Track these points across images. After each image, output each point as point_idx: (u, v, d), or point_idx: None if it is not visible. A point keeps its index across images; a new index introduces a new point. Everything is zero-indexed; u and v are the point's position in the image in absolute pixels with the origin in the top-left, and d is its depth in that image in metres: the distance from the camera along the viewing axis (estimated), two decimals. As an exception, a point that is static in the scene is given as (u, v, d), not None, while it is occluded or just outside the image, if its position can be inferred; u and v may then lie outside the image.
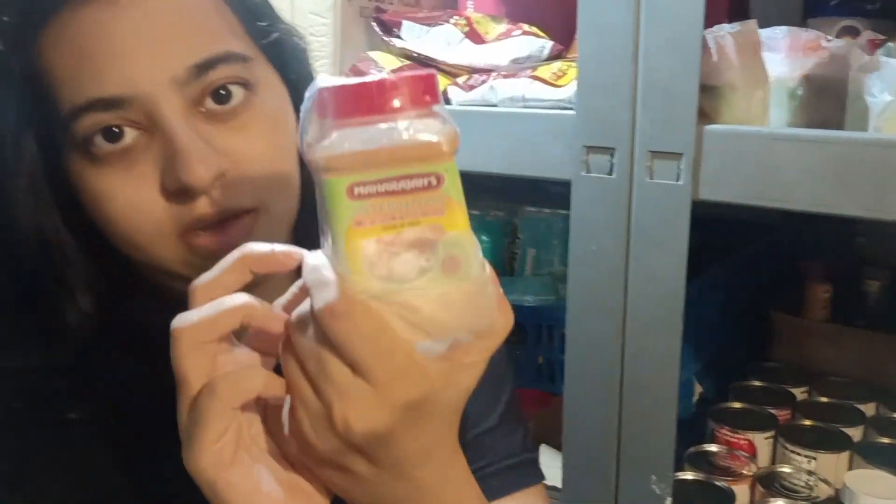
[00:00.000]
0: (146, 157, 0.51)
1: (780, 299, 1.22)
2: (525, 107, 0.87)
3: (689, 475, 0.94)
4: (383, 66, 0.98)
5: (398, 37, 1.02)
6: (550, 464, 0.90)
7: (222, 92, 0.52)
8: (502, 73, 0.92)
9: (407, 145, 0.38)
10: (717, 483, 0.92)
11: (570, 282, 0.85)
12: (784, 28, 0.81)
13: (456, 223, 0.40)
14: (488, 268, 0.41)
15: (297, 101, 0.56)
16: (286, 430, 0.43)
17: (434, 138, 0.38)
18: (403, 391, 0.40)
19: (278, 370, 0.43)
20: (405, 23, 1.02)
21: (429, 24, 1.02)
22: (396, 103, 0.38)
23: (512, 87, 0.87)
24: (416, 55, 1.00)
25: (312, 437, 0.41)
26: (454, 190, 0.39)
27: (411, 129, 0.38)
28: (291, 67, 0.59)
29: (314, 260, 0.41)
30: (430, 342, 0.40)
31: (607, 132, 0.80)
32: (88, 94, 0.49)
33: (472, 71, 0.96)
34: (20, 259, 0.53)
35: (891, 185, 0.68)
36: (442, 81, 0.96)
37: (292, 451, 0.44)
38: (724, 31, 0.74)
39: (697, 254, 1.15)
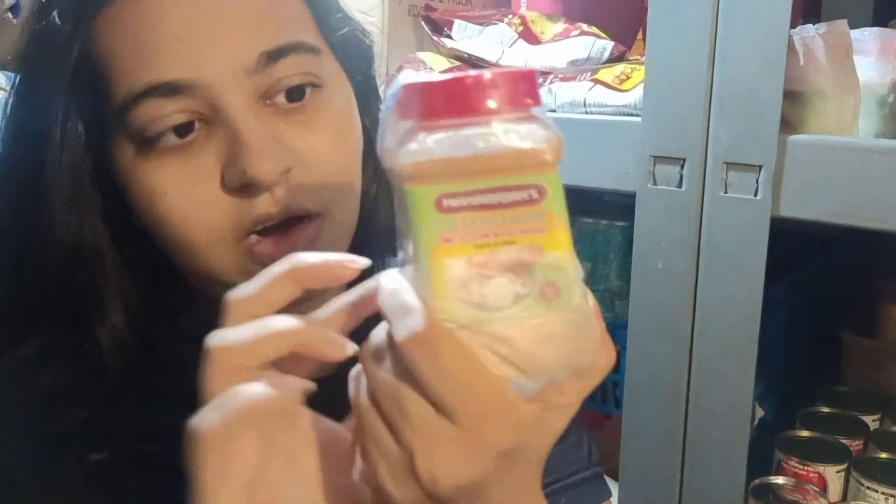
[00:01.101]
0: (206, 150, 0.47)
1: (852, 319, 1.14)
2: (586, 112, 0.81)
3: (756, 512, 0.87)
4: (432, 67, 0.93)
5: (449, 36, 0.97)
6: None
7: (293, 89, 0.48)
8: (560, 75, 0.86)
9: (505, 152, 0.33)
10: (789, 522, 0.85)
11: (632, 300, 0.79)
12: (875, 29, 0.74)
13: (557, 244, 0.34)
14: (591, 297, 0.36)
15: (361, 101, 0.54)
16: (355, 474, 0.38)
17: (537, 145, 0.33)
18: (495, 436, 0.34)
19: None
20: (457, 21, 0.97)
21: (482, 24, 0.96)
22: (493, 104, 0.33)
23: (572, 91, 0.82)
24: (466, 56, 0.94)
25: (390, 486, 0.36)
26: (556, 205, 0.33)
27: (510, 133, 0.33)
28: (357, 66, 0.56)
29: (391, 282, 0.36)
30: (524, 380, 0.34)
31: (677, 141, 0.73)
32: (147, 78, 0.45)
33: (528, 73, 0.90)
34: (54, 270, 0.50)
35: None
36: (495, 84, 0.91)
37: (361, 498, 0.38)
38: (813, 32, 0.67)
39: (768, 268, 1.09)
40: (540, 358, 0.34)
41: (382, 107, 0.36)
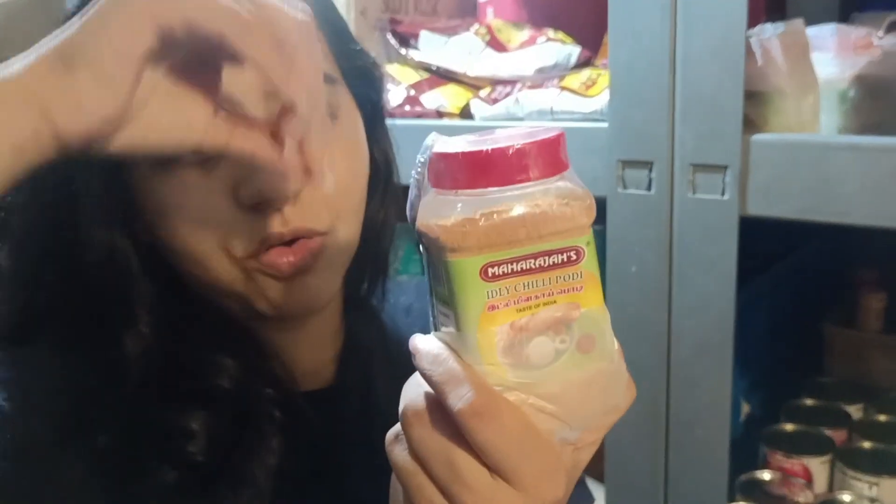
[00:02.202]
0: (221, 167, 0.49)
1: (833, 310, 1.15)
2: (554, 120, 0.81)
3: (742, 507, 0.88)
4: (401, 80, 0.93)
5: (415, 48, 0.97)
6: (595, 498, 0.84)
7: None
8: (528, 83, 0.87)
9: (546, 218, 0.34)
10: (775, 516, 0.86)
11: (608, 303, 0.79)
12: (832, 26, 0.75)
13: (592, 299, 0.36)
14: (616, 341, 0.37)
15: (370, 130, 0.56)
16: None
17: (575, 209, 0.34)
18: (551, 491, 0.36)
19: None
20: (423, 33, 0.97)
21: (448, 34, 0.97)
22: (532, 173, 0.34)
23: (539, 99, 0.82)
24: (435, 68, 0.95)
25: None
26: (592, 263, 0.35)
27: (548, 199, 0.34)
28: (368, 97, 0.58)
29: (431, 346, 0.37)
30: (567, 431, 0.36)
31: (644, 145, 0.74)
32: None
33: (496, 82, 0.91)
34: (86, 279, 0.51)
35: (964, 196, 0.61)
36: (464, 95, 0.91)
37: None
38: (769, 33, 0.68)
39: (741, 261, 1.10)
40: (584, 408, 0.36)
41: (413, 173, 0.38)
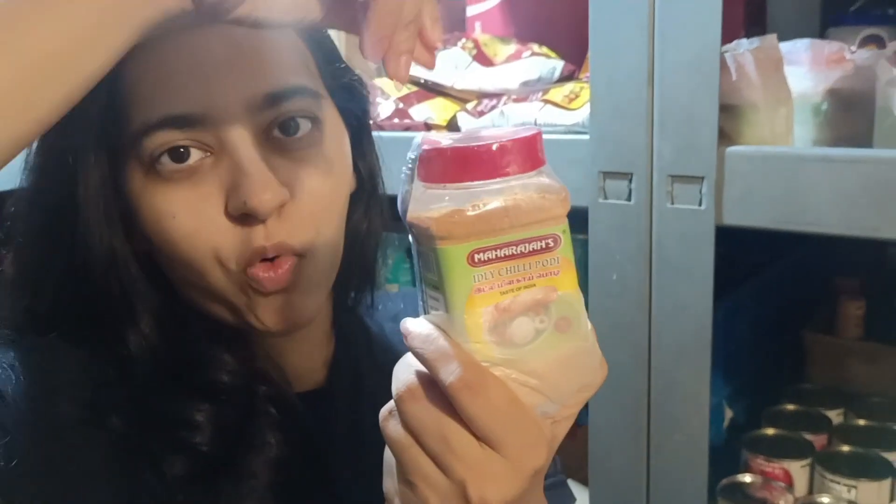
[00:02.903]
0: (212, 179, 0.51)
1: (813, 318, 1.17)
2: (537, 132, 0.83)
3: (723, 510, 0.90)
4: (390, 93, 0.95)
5: (405, 63, 0.99)
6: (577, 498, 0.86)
7: (290, 123, 0.52)
8: (513, 97, 0.89)
9: (527, 208, 0.38)
10: (754, 518, 0.88)
11: (590, 311, 0.82)
12: (806, 41, 0.78)
13: (568, 283, 0.39)
14: (589, 322, 0.41)
15: (355, 146, 0.59)
16: None
17: (552, 201, 0.38)
18: (534, 460, 0.40)
19: None
20: (411, 48, 0.99)
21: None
22: (514, 167, 0.38)
23: (523, 112, 0.84)
24: (423, 81, 0.97)
25: None
26: (568, 249, 0.39)
27: (529, 191, 0.38)
28: (354, 113, 0.60)
29: (422, 328, 0.41)
30: (548, 404, 0.40)
31: (624, 157, 0.76)
32: (163, 110, 0.50)
33: (482, 95, 0.93)
34: (89, 282, 0.53)
35: (929, 205, 0.64)
36: (451, 108, 0.94)
37: None
38: (743, 49, 0.71)
39: (724, 270, 1.12)
40: (562, 384, 0.40)
41: (404, 168, 0.41)
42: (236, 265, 0.51)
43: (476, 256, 0.38)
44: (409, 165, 0.40)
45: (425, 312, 0.42)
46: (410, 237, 0.41)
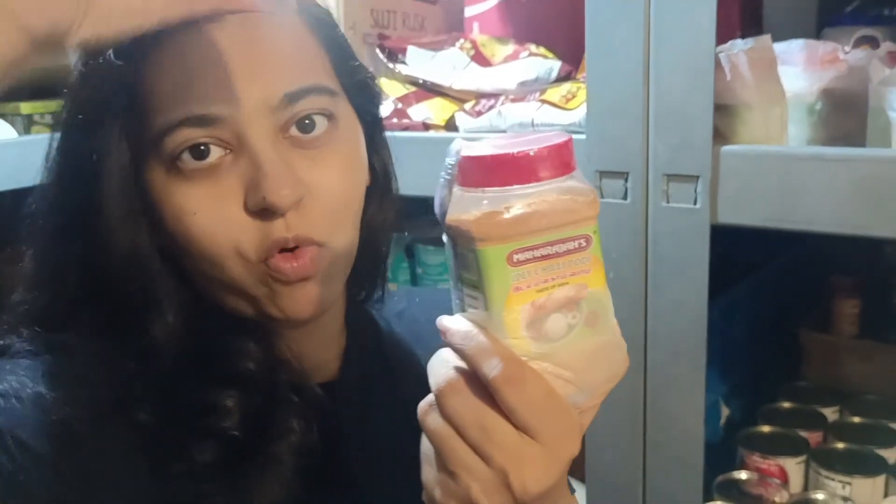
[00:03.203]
0: (231, 176, 0.52)
1: (810, 316, 1.18)
2: (535, 132, 0.84)
3: (718, 506, 0.90)
4: (389, 93, 0.96)
5: (403, 62, 1.00)
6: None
7: (307, 121, 0.54)
8: (510, 97, 0.90)
9: (561, 210, 0.40)
10: (749, 514, 0.89)
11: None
12: (800, 41, 0.79)
13: (597, 280, 0.42)
14: (614, 317, 0.45)
15: (369, 141, 0.60)
16: (432, 496, 0.45)
17: (583, 203, 0.41)
18: (569, 448, 0.43)
19: None
20: (410, 48, 1.00)
21: (434, 49, 1.00)
22: (546, 171, 0.40)
23: (521, 112, 0.85)
24: (421, 81, 0.98)
25: (484, 502, 0.42)
26: (598, 250, 0.42)
27: (562, 194, 0.40)
28: (368, 109, 0.61)
29: (461, 325, 0.43)
30: (579, 394, 0.42)
31: (620, 156, 0.77)
32: (185, 110, 0.51)
33: (480, 96, 0.94)
34: (112, 278, 0.55)
35: (920, 204, 0.65)
36: (449, 108, 0.94)
37: None
38: (738, 49, 0.71)
39: (722, 268, 1.13)
40: (593, 376, 0.43)
41: (442, 173, 0.43)
42: (256, 257, 0.53)
43: (515, 257, 0.40)
44: (448, 170, 0.43)
45: (461, 311, 0.44)
46: (446, 238, 0.44)
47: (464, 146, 0.42)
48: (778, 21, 1.10)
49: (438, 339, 0.45)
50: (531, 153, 0.40)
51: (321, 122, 0.54)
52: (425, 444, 0.46)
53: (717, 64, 0.71)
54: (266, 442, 0.54)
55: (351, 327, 0.65)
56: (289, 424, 0.55)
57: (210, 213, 0.52)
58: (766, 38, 0.74)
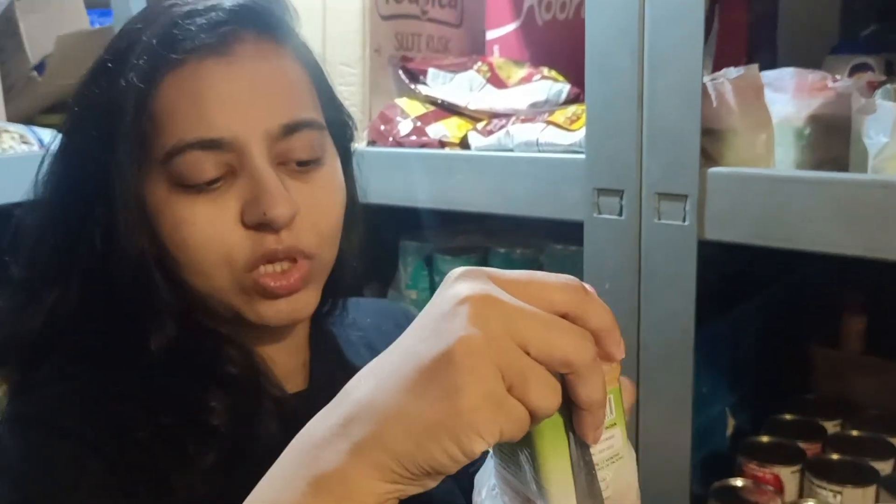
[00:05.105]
0: (230, 193, 0.59)
1: (819, 332, 1.21)
2: (539, 151, 0.90)
3: (711, 509, 0.94)
4: (409, 112, 1.03)
5: (424, 83, 1.07)
6: None
7: (300, 150, 0.61)
8: (521, 117, 0.96)
9: None
10: (740, 518, 0.93)
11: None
12: (791, 69, 0.83)
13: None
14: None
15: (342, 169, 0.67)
16: None
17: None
18: None
19: None
20: (431, 70, 1.07)
21: (453, 71, 1.06)
22: None
23: (527, 132, 0.91)
24: (440, 101, 1.04)
25: None
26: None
27: None
28: (342, 142, 0.69)
29: None
30: None
31: (616, 175, 0.82)
32: (196, 133, 0.58)
33: (493, 115, 1.00)
34: (122, 283, 0.60)
35: (891, 225, 0.69)
36: (464, 126, 1.01)
37: None
38: (723, 78, 0.76)
39: (734, 285, 1.17)
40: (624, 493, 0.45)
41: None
42: (243, 267, 0.59)
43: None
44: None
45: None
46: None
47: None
48: (793, 48, 1.14)
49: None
50: None
51: (312, 153, 0.62)
52: None
53: (705, 91, 0.76)
54: (249, 444, 0.59)
55: (313, 338, 0.71)
56: (269, 428, 0.60)
57: (207, 223, 0.59)
58: (754, 67, 0.79)
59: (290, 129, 0.61)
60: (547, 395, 0.38)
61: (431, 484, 0.39)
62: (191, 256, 0.59)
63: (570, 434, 0.41)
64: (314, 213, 0.61)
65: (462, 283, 0.39)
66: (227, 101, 0.59)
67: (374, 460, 0.37)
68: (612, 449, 0.43)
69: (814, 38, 1.18)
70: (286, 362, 0.68)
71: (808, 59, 0.93)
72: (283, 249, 0.59)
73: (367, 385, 0.39)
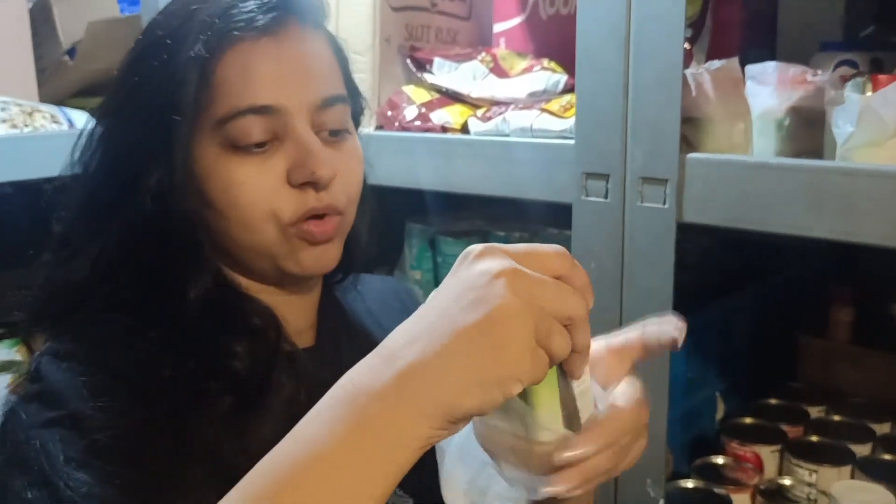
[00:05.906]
0: (276, 156, 0.66)
1: (807, 321, 1.25)
2: (533, 137, 0.95)
3: (689, 483, 0.99)
4: (415, 99, 1.08)
5: (430, 72, 1.12)
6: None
7: (334, 121, 0.69)
8: (520, 105, 1.01)
9: None
10: (716, 490, 0.97)
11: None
12: (773, 63, 0.87)
13: None
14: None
15: None
16: None
17: None
18: None
19: None
20: (437, 59, 1.12)
21: (458, 61, 1.12)
22: None
23: (522, 118, 0.96)
24: (444, 89, 1.10)
25: None
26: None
27: None
28: (356, 117, 0.77)
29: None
30: None
31: (603, 160, 0.87)
32: (249, 101, 0.65)
33: (494, 103, 1.05)
34: (166, 241, 0.67)
35: (854, 210, 0.73)
36: (466, 113, 1.06)
37: None
38: (702, 69, 0.81)
39: (727, 275, 1.21)
40: None
41: None
42: (289, 220, 0.66)
43: None
44: None
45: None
46: None
47: None
48: (796, 42, 1.17)
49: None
50: None
51: (342, 123, 0.70)
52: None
53: (685, 82, 0.81)
54: (263, 392, 0.65)
55: (323, 303, 0.78)
56: (280, 379, 0.67)
57: (257, 183, 0.66)
58: (734, 60, 0.83)
59: (327, 103, 0.68)
60: (564, 344, 0.47)
61: (461, 428, 0.47)
62: (241, 213, 0.66)
63: (560, 372, 0.51)
64: (345, 177, 0.69)
65: (489, 260, 0.47)
66: (277, 75, 0.66)
67: (427, 411, 0.45)
68: (585, 384, 0.52)
69: (814, 38, 1.21)
70: (297, 321, 0.74)
71: (806, 59, 0.97)
72: (323, 207, 0.67)
73: (416, 348, 0.46)
